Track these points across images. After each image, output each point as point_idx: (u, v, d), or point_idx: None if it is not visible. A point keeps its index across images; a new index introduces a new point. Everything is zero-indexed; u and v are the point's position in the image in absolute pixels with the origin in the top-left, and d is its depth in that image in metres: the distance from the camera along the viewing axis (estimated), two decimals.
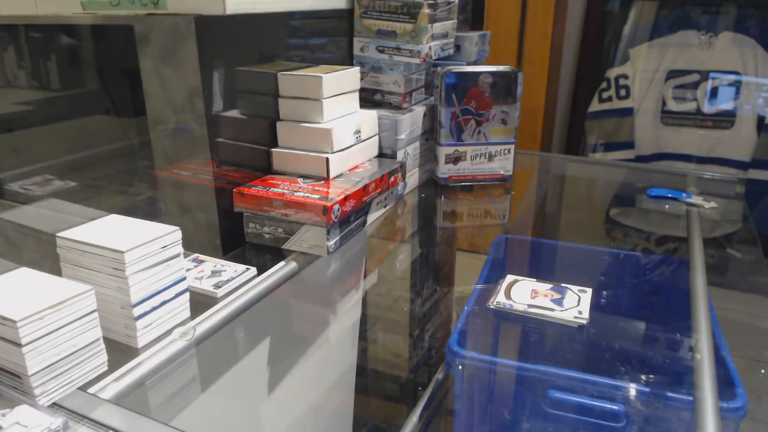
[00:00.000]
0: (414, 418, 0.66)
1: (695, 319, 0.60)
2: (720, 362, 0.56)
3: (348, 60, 1.03)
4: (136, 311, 0.56)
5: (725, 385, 0.54)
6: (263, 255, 0.77)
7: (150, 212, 0.89)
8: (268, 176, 0.84)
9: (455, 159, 1.06)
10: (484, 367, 0.66)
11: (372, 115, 0.93)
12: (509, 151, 1.07)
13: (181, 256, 0.60)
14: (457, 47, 1.13)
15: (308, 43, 0.95)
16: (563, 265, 0.97)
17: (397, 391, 0.80)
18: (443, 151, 1.05)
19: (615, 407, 0.58)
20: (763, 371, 0.64)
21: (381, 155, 0.97)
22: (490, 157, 1.07)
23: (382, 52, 0.99)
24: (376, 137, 0.95)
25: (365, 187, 0.82)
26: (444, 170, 1.06)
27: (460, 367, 0.65)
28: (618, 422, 0.59)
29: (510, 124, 1.06)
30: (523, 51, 1.85)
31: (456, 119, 1.04)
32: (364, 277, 0.88)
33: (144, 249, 0.55)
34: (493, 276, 0.86)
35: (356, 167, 0.88)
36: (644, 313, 0.88)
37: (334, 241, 0.77)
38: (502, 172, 1.08)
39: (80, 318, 0.49)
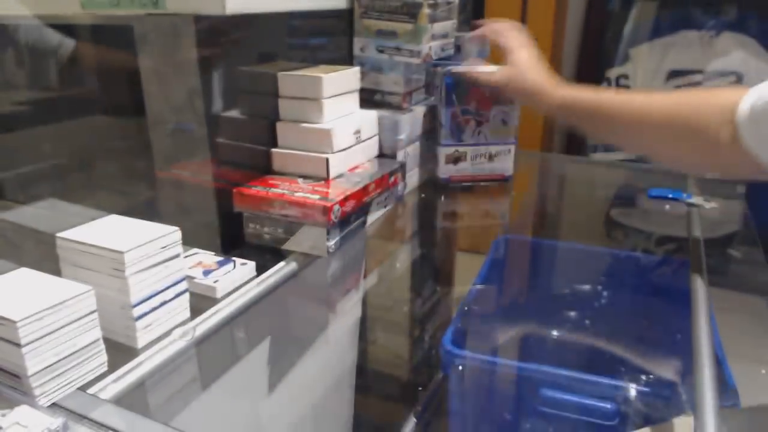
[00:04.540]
0: (413, 418, 0.66)
1: (695, 319, 0.60)
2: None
3: (348, 60, 1.02)
4: (136, 311, 0.56)
5: (718, 382, 0.54)
6: (263, 255, 0.77)
7: (150, 212, 0.89)
8: (268, 176, 0.84)
9: (455, 159, 1.06)
10: (478, 366, 0.66)
11: (372, 115, 0.93)
12: (509, 151, 1.07)
13: (181, 256, 0.60)
14: (457, 47, 1.13)
15: (308, 43, 0.95)
16: (563, 265, 0.97)
17: (397, 391, 0.80)
18: (443, 152, 1.05)
19: (609, 406, 0.58)
20: (763, 371, 0.64)
21: (381, 155, 0.97)
22: (491, 158, 1.07)
23: (382, 52, 0.99)
24: (376, 137, 0.95)
25: (365, 188, 0.82)
26: (444, 170, 1.06)
27: (456, 366, 0.65)
28: (614, 421, 0.59)
29: (510, 124, 1.06)
30: None
31: (456, 119, 1.04)
32: (364, 277, 0.88)
33: (144, 249, 0.55)
34: (491, 276, 0.86)
35: (356, 167, 0.88)
36: (644, 313, 0.88)
37: (334, 242, 0.77)
38: (502, 173, 1.08)
39: (80, 318, 0.49)
